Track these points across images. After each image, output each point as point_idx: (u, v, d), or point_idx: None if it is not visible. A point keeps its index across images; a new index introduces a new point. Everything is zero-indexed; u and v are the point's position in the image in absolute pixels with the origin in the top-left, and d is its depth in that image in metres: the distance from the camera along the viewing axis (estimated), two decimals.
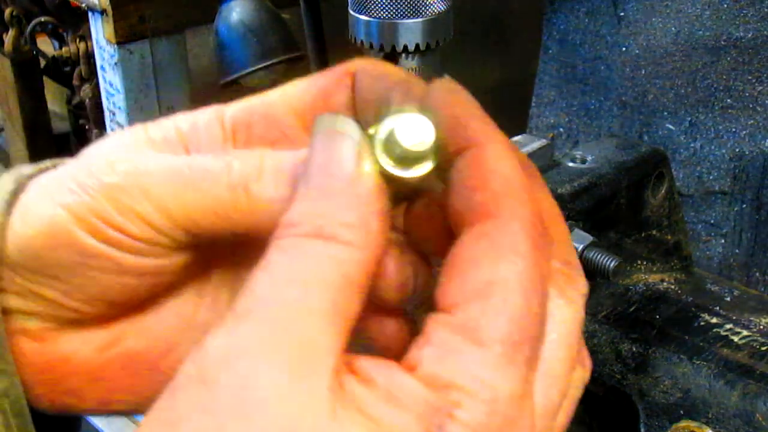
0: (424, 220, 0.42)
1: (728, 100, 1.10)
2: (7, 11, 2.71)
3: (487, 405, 0.34)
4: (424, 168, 0.38)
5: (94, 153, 0.45)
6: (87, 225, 0.42)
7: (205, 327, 0.46)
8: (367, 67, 0.45)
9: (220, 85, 1.80)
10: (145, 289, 0.45)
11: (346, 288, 0.35)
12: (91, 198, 0.42)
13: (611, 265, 0.71)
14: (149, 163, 0.43)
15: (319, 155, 0.38)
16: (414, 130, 0.38)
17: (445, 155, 0.39)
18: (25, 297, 0.44)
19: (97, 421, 0.95)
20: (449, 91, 0.40)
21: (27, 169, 0.47)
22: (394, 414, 0.33)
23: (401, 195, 0.41)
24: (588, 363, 0.42)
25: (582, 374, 0.41)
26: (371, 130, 0.39)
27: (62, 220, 0.42)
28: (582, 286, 0.41)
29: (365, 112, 0.45)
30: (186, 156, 0.45)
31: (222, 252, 0.47)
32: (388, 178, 0.38)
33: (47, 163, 0.48)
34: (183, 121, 0.46)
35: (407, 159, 0.38)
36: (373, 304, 0.41)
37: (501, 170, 0.37)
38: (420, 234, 0.43)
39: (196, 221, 0.42)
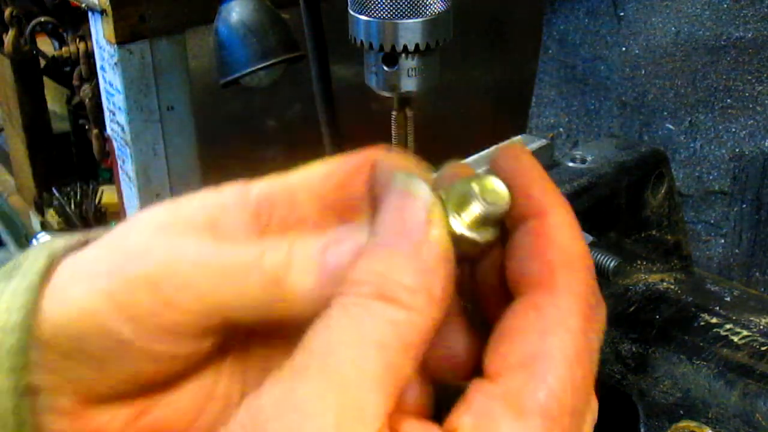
0: (487, 285, 0.43)
1: (728, 100, 1.10)
2: (7, 11, 2.71)
3: None
4: (494, 231, 0.39)
5: (129, 234, 0.44)
6: (125, 314, 0.41)
7: (226, 398, 0.47)
8: (386, 159, 0.45)
9: (220, 85, 1.80)
10: (175, 371, 0.45)
11: (402, 352, 0.35)
12: (129, 287, 0.42)
13: (611, 265, 0.71)
14: (186, 252, 0.42)
15: (389, 215, 0.38)
16: (490, 192, 0.38)
17: (510, 221, 0.39)
18: (56, 375, 0.43)
19: None
20: (514, 157, 0.40)
21: (59, 243, 0.46)
22: None
23: (467, 258, 0.41)
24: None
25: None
26: (443, 193, 0.39)
27: (99, 308, 0.42)
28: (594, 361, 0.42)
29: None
30: (220, 245, 0.43)
31: (240, 330, 0.47)
32: (456, 241, 0.38)
33: (79, 237, 0.47)
34: (211, 201, 0.46)
35: (479, 222, 0.38)
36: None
37: (559, 241, 0.38)
38: (481, 299, 0.43)
39: (232, 312, 0.42)
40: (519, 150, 0.41)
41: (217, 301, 0.42)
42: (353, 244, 0.41)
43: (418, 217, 0.38)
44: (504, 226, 0.40)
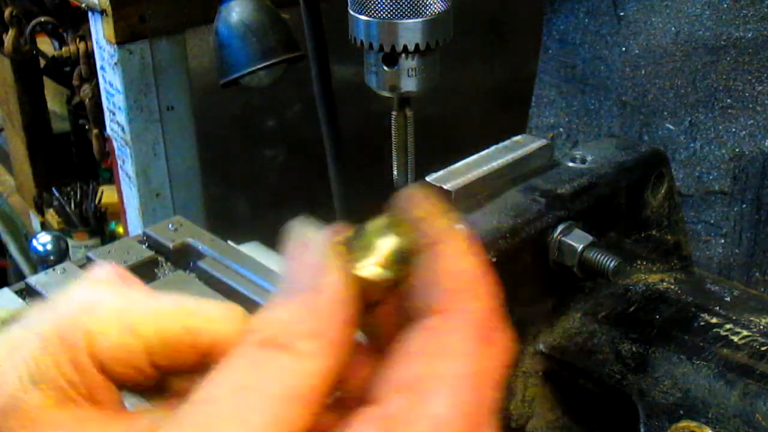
0: (391, 323, 0.42)
1: (728, 100, 1.10)
2: (7, 11, 2.71)
3: None
4: (399, 269, 0.39)
5: None
6: None
7: None
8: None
9: (220, 85, 1.80)
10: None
11: (293, 401, 0.35)
12: None
13: (611, 265, 0.71)
14: None
15: (287, 266, 0.39)
16: (384, 232, 0.39)
17: (410, 257, 0.40)
18: None
19: None
20: (409, 196, 0.41)
21: None
22: None
23: (374, 299, 0.41)
24: None
25: None
26: (353, 238, 0.40)
27: None
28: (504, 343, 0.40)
29: None
30: None
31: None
32: (360, 284, 0.39)
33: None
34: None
35: (387, 259, 0.39)
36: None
37: (451, 268, 0.38)
38: (386, 337, 0.43)
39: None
40: (414, 190, 0.42)
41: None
42: None
43: (311, 264, 0.38)
44: (412, 263, 0.40)
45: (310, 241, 0.39)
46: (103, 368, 0.48)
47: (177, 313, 0.49)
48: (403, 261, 0.40)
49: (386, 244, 0.39)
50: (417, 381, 0.35)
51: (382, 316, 0.43)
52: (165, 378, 0.51)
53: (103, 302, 0.49)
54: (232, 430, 0.34)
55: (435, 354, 0.36)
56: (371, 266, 0.39)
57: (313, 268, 0.38)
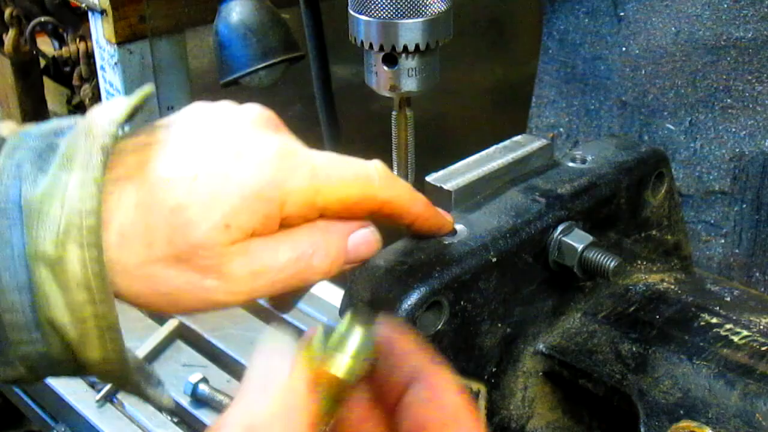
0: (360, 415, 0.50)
1: (728, 100, 1.10)
2: (7, 11, 2.71)
3: None
4: (364, 365, 0.45)
5: None
6: None
7: None
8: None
9: (220, 85, 1.80)
10: None
11: None
12: None
13: (611, 265, 0.71)
14: None
15: (254, 370, 0.45)
16: (344, 328, 0.45)
17: (400, 378, 0.47)
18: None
19: (96, 421, 0.95)
20: (393, 328, 0.50)
21: (104, 133, 0.59)
22: None
23: (346, 393, 0.46)
24: None
25: None
26: (311, 341, 0.45)
27: None
28: None
29: None
30: None
31: None
32: (333, 382, 0.44)
33: (117, 125, 0.61)
34: None
35: (353, 357, 0.44)
36: None
37: (451, 393, 0.47)
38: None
39: None
40: (395, 323, 0.51)
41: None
42: (365, 237, 0.63)
43: (279, 367, 0.45)
44: (373, 361, 0.46)
45: (276, 347, 0.46)
46: (284, 220, 0.59)
47: (357, 180, 0.61)
48: (369, 356, 0.45)
49: (353, 343, 0.44)
50: None
51: (352, 408, 0.50)
52: None
53: (297, 154, 0.59)
54: None
55: None
56: (342, 365, 0.44)
57: (279, 371, 0.45)
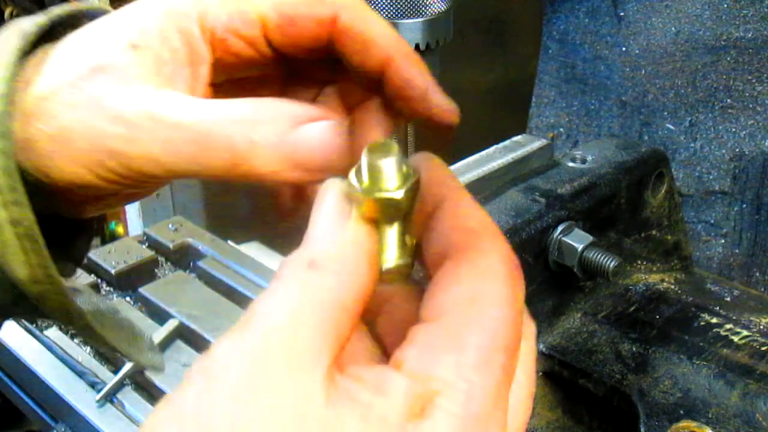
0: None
1: (728, 100, 1.10)
2: (7, 11, 2.71)
3: (465, 395, 0.38)
4: (405, 188, 0.42)
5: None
6: None
7: None
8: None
9: None
10: None
11: (334, 309, 0.39)
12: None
13: (611, 265, 0.71)
14: (166, 109, 0.47)
15: (313, 212, 0.43)
16: (381, 151, 0.42)
17: (425, 206, 0.43)
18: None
19: (97, 421, 0.95)
20: (425, 158, 0.45)
21: (27, 25, 0.50)
22: (382, 400, 0.37)
23: (395, 217, 0.44)
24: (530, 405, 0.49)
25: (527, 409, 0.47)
26: (366, 171, 0.42)
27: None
28: (532, 325, 0.47)
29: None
30: (193, 107, 0.47)
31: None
32: (379, 205, 0.42)
33: (44, 20, 0.51)
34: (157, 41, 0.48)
35: (385, 180, 0.42)
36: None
37: (476, 215, 0.42)
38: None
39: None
40: (427, 154, 0.45)
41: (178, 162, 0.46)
42: (317, 129, 0.47)
43: (330, 206, 0.42)
44: (418, 187, 0.43)
45: (327, 188, 0.43)
46: (213, 40, 0.49)
47: None
48: (409, 176, 0.42)
49: (390, 166, 0.42)
50: (468, 300, 0.40)
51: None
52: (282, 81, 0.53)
53: None
54: (293, 329, 0.38)
55: (480, 278, 0.40)
56: (386, 191, 0.42)
57: (331, 209, 0.42)
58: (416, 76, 0.51)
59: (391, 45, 0.51)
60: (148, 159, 0.47)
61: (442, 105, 0.55)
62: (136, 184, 0.49)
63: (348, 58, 0.51)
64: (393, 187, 0.41)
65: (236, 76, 0.54)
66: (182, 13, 0.48)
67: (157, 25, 0.48)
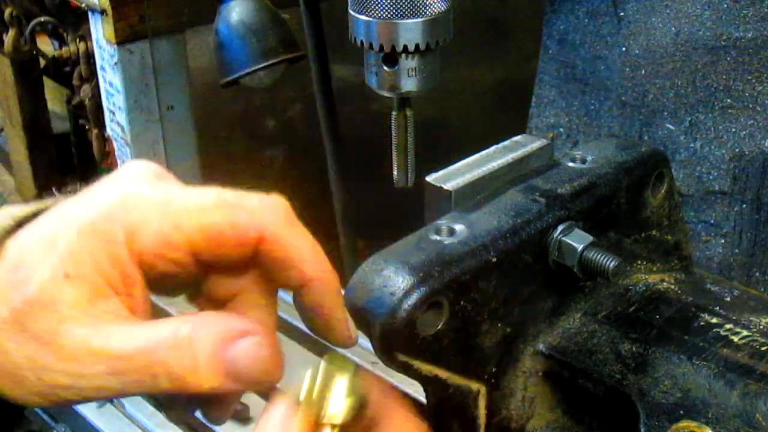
0: None
1: (728, 100, 1.10)
2: (7, 11, 2.71)
3: None
4: (350, 410, 0.49)
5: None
6: None
7: None
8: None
9: (220, 85, 1.80)
10: None
11: None
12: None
13: (611, 265, 0.71)
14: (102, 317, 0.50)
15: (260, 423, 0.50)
16: (336, 368, 0.49)
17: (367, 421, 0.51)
18: None
19: (96, 421, 0.95)
20: (373, 379, 0.55)
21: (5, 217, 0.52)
22: None
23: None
24: None
25: None
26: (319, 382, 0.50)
27: None
28: None
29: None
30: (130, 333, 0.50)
31: None
32: (325, 422, 0.49)
33: (28, 209, 0.53)
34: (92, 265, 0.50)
35: (334, 399, 0.48)
36: None
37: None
38: None
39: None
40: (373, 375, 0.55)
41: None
42: (249, 344, 0.50)
43: (278, 420, 0.49)
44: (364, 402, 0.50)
45: (277, 402, 0.49)
46: (142, 263, 0.50)
47: (220, 206, 0.51)
48: (356, 397, 0.49)
49: (339, 389, 0.48)
50: None
51: None
52: (205, 277, 0.54)
53: (143, 194, 0.50)
54: None
55: None
56: (335, 412, 0.48)
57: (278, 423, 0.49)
58: (325, 305, 0.56)
59: (310, 268, 0.54)
60: (97, 389, 0.49)
61: (339, 334, 0.58)
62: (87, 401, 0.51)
63: (269, 271, 0.54)
64: (338, 410, 0.47)
65: (169, 287, 0.55)
66: (112, 239, 0.49)
67: (89, 251, 0.49)
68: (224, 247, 0.52)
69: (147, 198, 0.51)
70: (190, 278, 0.54)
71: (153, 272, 0.51)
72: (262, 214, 0.52)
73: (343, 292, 0.66)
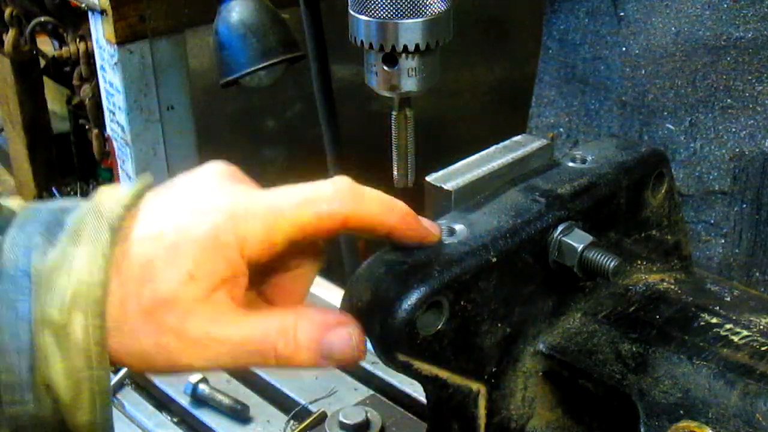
0: None
1: (728, 100, 1.10)
2: (7, 11, 2.71)
3: None
4: None
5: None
6: None
7: None
8: None
9: (220, 85, 1.80)
10: None
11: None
12: None
13: (611, 265, 0.71)
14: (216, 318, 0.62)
15: None
16: None
17: None
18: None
19: None
20: None
21: (110, 211, 0.61)
22: None
23: None
24: None
25: None
26: None
27: None
28: None
29: None
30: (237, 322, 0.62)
31: None
32: None
33: (125, 206, 0.62)
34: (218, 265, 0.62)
35: None
36: None
37: None
38: None
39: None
40: None
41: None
42: (344, 332, 0.63)
43: None
44: None
45: None
46: (250, 261, 0.62)
47: (305, 202, 0.62)
48: None
49: None
50: None
51: None
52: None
53: (246, 204, 0.62)
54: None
55: None
56: None
57: None
58: (412, 236, 0.66)
59: (389, 223, 0.64)
60: (213, 366, 0.62)
61: (430, 242, 0.68)
62: None
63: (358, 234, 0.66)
64: None
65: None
66: (227, 246, 0.61)
67: (210, 258, 0.60)
68: (316, 235, 0.63)
69: (249, 206, 0.62)
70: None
71: (257, 263, 0.63)
72: (338, 198, 0.62)
73: (343, 292, 0.67)
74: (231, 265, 0.61)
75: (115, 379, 0.96)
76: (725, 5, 1.07)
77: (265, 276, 0.69)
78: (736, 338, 0.73)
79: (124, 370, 0.97)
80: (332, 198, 0.62)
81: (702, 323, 0.75)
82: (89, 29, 2.11)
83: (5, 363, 0.58)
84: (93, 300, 0.58)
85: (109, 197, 0.62)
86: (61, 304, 0.58)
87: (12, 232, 0.60)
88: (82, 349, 0.58)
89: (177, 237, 0.60)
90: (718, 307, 0.77)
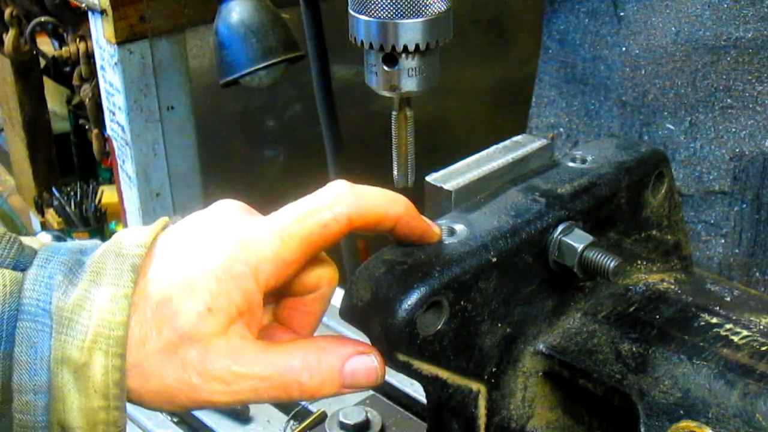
0: None
1: (728, 100, 1.10)
2: (7, 11, 2.71)
3: None
4: None
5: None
6: None
7: None
8: None
9: (220, 85, 1.80)
10: None
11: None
12: None
13: (611, 265, 0.71)
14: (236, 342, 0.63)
15: None
16: None
17: None
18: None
19: None
20: None
21: (132, 252, 0.62)
22: None
23: None
24: None
25: None
26: None
27: None
28: None
29: None
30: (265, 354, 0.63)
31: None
32: None
33: (144, 247, 0.63)
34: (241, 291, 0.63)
35: None
36: None
37: None
38: None
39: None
40: None
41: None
42: (364, 360, 0.64)
43: None
44: None
45: None
46: (267, 287, 0.62)
47: (308, 214, 0.62)
48: None
49: None
50: None
51: None
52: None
53: (252, 234, 0.62)
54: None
55: None
56: None
57: None
58: (414, 230, 0.66)
59: (392, 218, 0.65)
60: (234, 401, 0.62)
61: (430, 239, 0.68)
62: None
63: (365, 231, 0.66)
64: None
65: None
66: (242, 277, 0.61)
67: (226, 291, 0.61)
68: (326, 244, 0.63)
69: (256, 232, 0.62)
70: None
71: (272, 290, 0.63)
72: (338, 202, 0.63)
73: (343, 292, 0.67)
74: (247, 296, 0.61)
75: None
76: (725, 5, 1.07)
77: (279, 298, 0.69)
78: (736, 338, 0.73)
79: None
80: (332, 203, 0.63)
81: (702, 323, 0.75)
82: (89, 29, 2.11)
83: (22, 401, 0.58)
84: (114, 340, 0.58)
85: (128, 237, 0.63)
86: (81, 342, 0.58)
87: (33, 270, 0.61)
88: (101, 388, 0.59)
89: (191, 271, 0.61)
90: (718, 307, 0.77)
